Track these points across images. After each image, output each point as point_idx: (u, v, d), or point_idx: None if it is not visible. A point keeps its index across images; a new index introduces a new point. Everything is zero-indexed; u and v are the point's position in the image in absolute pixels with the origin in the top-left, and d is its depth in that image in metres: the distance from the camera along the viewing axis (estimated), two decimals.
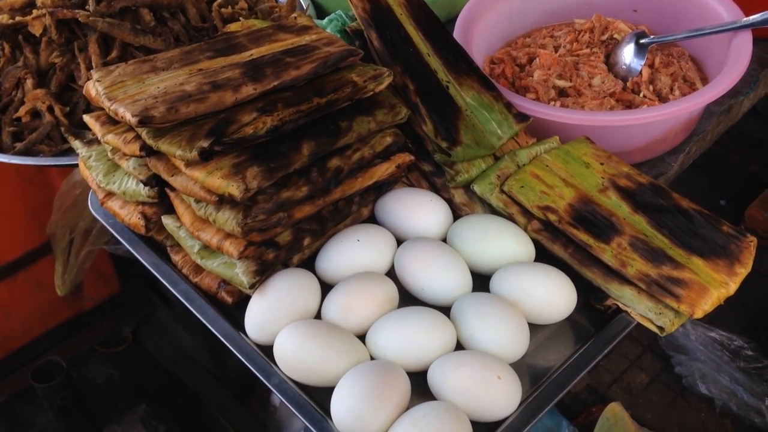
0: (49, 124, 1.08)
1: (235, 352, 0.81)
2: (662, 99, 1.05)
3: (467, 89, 0.95)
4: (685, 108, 0.94)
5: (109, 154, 0.87)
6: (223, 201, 0.79)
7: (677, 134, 1.05)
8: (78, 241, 1.59)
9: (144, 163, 0.84)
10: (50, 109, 1.10)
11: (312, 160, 0.82)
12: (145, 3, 1.12)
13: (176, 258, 0.89)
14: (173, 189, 0.85)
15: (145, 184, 0.84)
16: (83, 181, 1.57)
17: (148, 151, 0.81)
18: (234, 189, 0.76)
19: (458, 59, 0.97)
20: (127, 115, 0.76)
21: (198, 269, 0.87)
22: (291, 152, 0.80)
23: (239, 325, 0.83)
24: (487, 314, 0.79)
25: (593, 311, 0.85)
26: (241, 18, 1.11)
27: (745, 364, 1.95)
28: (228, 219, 0.79)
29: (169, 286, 0.87)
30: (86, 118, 0.87)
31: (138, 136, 0.81)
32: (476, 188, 0.91)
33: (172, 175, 0.81)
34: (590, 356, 0.79)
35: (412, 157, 0.92)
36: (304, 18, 0.94)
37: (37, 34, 1.11)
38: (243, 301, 0.85)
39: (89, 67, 1.09)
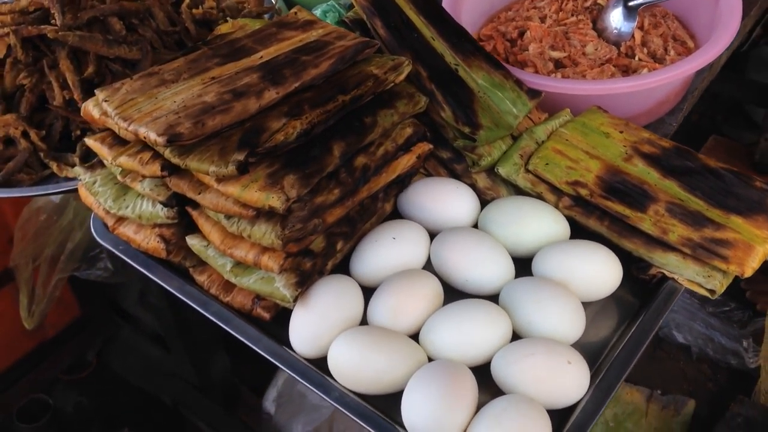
0: (26, 150, 1.01)
1: (286, 369, 0.78)
2: (657, 60, 1.05)
3: (477, 70, 0.92)
4: (693, 66, 0.94)
5: (119, 177, 0.81)
6: (260, 214, 0.75)
7: (677, 94, 1.05)
8: (45, 270, 1.51)
9: (162, 184, 0.79)
10: (25, 135, 1.03)
11: (343, 162, 0.78)
12: (113, 11, 1.05)
13: (201, 278, 0.84)
14: (196, 207, 0.80)
15: (165, 205, 0.79)
16: (46, 206, 1.49)
17: (171, 170, 0.76)
18: (275, 200, 0.72)
19: (462, 40, 0.94)
20: (151, 135, 0.70)
21: (228, 288, 0.83)
22: (323, 155, 0.77)
23: (282, 341, 0.80)
24: (541, 298, 0.77)
25: (634, 282, 0.84)
26: (221, 18, 1.06)
27: (713, 309, 2.00)
28: (265, 232, 0.75)
29: (200, 309, 0.82)
30: (89, 141, 0.81)
31: (157, 156, 0.76)
32: (501, 170, 0.89)
33: (199, 193, 0.76)
34: (648, 328, 0.79)
35: (431, 146, 0.89)
36: (304, 12, 0.89)
37: (0, 56, 1.03)
38: (279, 315, 0.82)
39: (63, 86, 1.02)
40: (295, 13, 0.89)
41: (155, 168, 0.75)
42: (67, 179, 1.01)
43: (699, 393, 1.91)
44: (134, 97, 0.76)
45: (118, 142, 0.80)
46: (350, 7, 1.04)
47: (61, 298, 1.94)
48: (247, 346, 0.80)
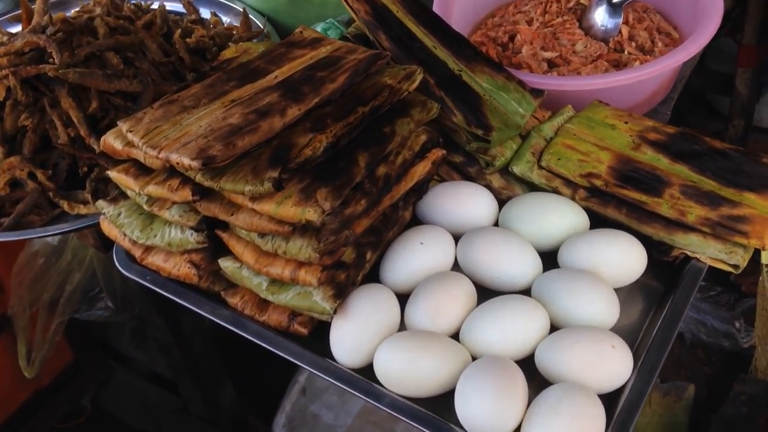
0: (35, 191, 1.00)
1: (334, 381, 0.78)
2: (646, 53, 1.09)
3: (480, 74, 0.95)
4: (685, 56, 0.97)
5: (145, 206, 0.81)
6: (294, 230, 0.75)
7: (668, 84, 1.09)
8: (44, 315, 1.48)
9: (191, 209, 0.79)
10: (31, 176, 1.02)
11: (369, 172, 0.79)
12: (109, 46, 1.05)
13: (234, 300, 0.85)
14: (226, 229, 0.80)
15: (196, 230, 0.80)
16: (44, 249, 1.47)
17: (202, 194, 0.76)
18: (312, 214, 0.72)
19: (462, 46, 0.97)
20: (185, 160, 0.71)
21: (262, 307, 0.83)
22: (350, 166, 0.78)
23: (323, 354, 0.80)
24: (576, 288, 0.79)
25: (656, 266, 0.86)
26: (213, 46, 1.07)
27: (702, 294, 2.05)
28: (302, 247, 0.75)
29: (238, 331, 0.82)
30: (113, 174, 0.81)
31: (186, 181, 0.76)
32: (515, 169, 0.91)
33: (231, 214, 0.76)
34: (680, 308, 0.81)
35: (444, 152, 0.91)
36: (309, 31, 0.90)
37: (0, 99, 1.02)
38: (315, 329, 0.82)
39: (67, 124, 1.01)
40: (301, 32, 0.91)
41: (186, 193, 0.76)
42: (79, 216, 1.00)
43: (696, 377, 1.94)
44: (159, 125, 0.76)
45: (142, 171, 0.80)
46: (349, 23, 1.06)
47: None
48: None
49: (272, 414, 1.79)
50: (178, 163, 0.72)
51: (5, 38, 1.12)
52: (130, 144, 0.77)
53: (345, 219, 0.78)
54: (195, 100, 0.79)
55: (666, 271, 0.86)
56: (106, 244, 1.30)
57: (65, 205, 1.00)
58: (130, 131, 0.76)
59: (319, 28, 1.05)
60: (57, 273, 1.46)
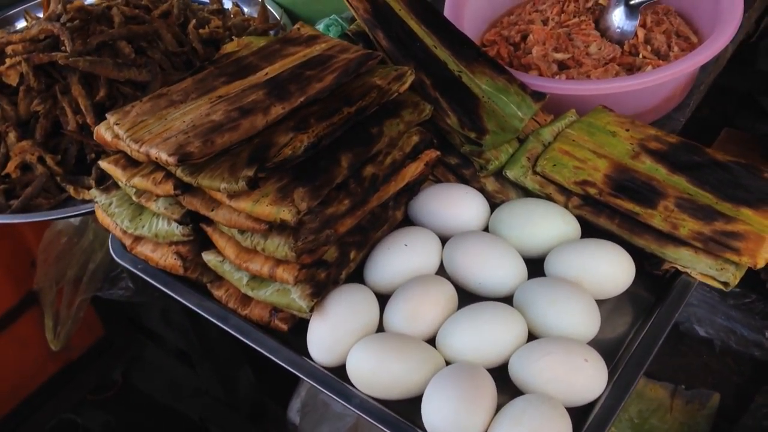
0: (43, 175, 1.03)
1: (306, 379, 0.79)
2: (661, 57, 1.06)
3: (480, 76, 0.93)
4: (698, 62, 0.94)
5: (134, 197, 0.83)
6: (272, 228, 0.76)
7: (683, 90, 1.06)
8: (68, 292, 1.53)
9: (176, 202, 0.80)
10: (41, 160, 1.05)
11: (351, 172, 0.79)
12: (121, 35, 1.07)
13: (218, 293, 0.86)
14: (210, 223, 0.81)
15: (180, 223, 0.81)
16: (67, 228, 1.51)
17: (183, 189, 0.77)
18: (286, 214, 0.73)
19: (464, 47, 0.95)
20: (162, 155, 0.72)
21: (245, 301, 0.84)
22: (331, 167, 0.78)
23: (301, 351, 0.81)
24: (557, 298, 0.78)
25: (647, 278, 0.84)
26: (229, 37, 1.07)
27: (734, 302, 1.99)
28: (279, 245, 0.76)
29: (219, 323, 0.84)
30: (103, 164, 0.83)
31: (169, 175, 0.77)
32: (509, 173, 0.90)
33: (212, 210, 0.77)
34: (663, 322, 0.79)
35: (439, 153, 0.90)
36: (307, 28, 0.91)
37: (14, 84, 1.05)
38: (296, 325, 0.83)
39: (76, 111, 1.04)
40: (298, 28, 0.91)
41: (168, 187, 0.77)
42: (85, 201, 1.03)
43: (723, 386, 1.90)
44: (144, 119, 0.77)
45: (131, 163, 0.81)
46: (352, 20, 1.05)
47: (85, 319, 1.96)
48: (269, 359, 0.82)
49: (288, 398, 1.81)
50: (156, 158, 0.73)
51: (33, 22, 1.14)
52: (117, 136, 0.79)
53: (327, 218, 0.78)
54: (184, 95, 0.80)
55: (657, 283, 0.84)
56: None
57: (71, 190, 1.03)
58: (117, 124, 0.77)
59: (321, 24, 1.05)
60: (80, 252, 1.50)
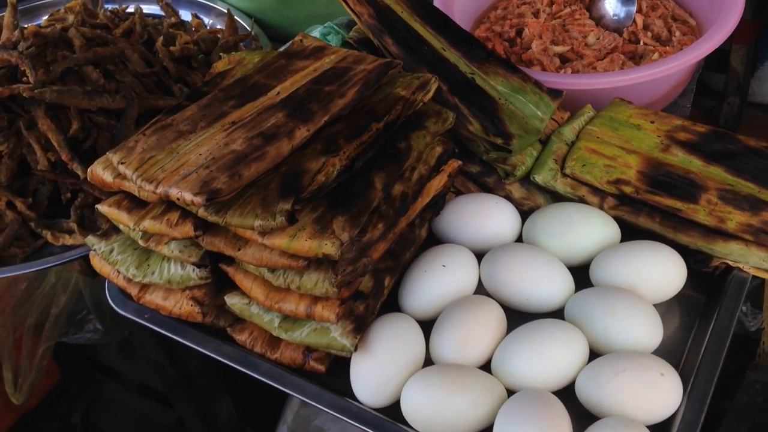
0: (15, 222, 0.92)
1: (358, 425, 0.72)
2: (663, 42, 1.02)
3: (494, 76, 0.88)
4: (713, 45, 0.91)
5: (140, 241, 0.74)
6: (310, 264, 0.68)
7: (689, 76, 1.02)
8: (29, 340, 1.40)
9: (192, 243, 0.72)
10: (9, 205, 0.94)
11: (386, 194, 0.73)
12: (87, 59, 0.97)
13: (241, 337, 0.78)
14: (231, 263, 0.73)
15: (199, 266, 0.72)
16: (26, 273, 1.38)
17: (204, 229, 0.69)
18: (329, 247, 0.66)
19: (473, 47, 0.90)
20: (186, 195, 0.63)
21: (273, 344, 0.77)
22: (366, 190, 0.71)
23: (342, 391, 0.74)
24: (616, 309, 0.73)
25: (694, 276, 0.80)
26: (199, 53, 0.99)
27: None
28: (318, 281, 0.69)
29: (249, 372, 0.76)
30: (103, 209, 0.73)
31: (186, 214, 0.69)
32: (537, 178, 0.85)
33: (238, 249, 0.69)
34: (726, 324, 0.75)
35: (460, 162, 0.84)
36: (310, 39, 0.83)
37: None
38: (332, 365, 0.76)
39: (46, 148, 0.93)
40: (301, 40, 0.83)
41: (187, 228, 0.69)
42: (66, 247, 0.93)
43: None
44: (153, 155, 0.69)
45: (136, 204, 0.73)
46: (349, 26, 0.98)
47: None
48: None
49: (272, 426, 1.73)
50: (178, 199, 0.64)
51: None
52: (122, 176, 0.70)
53: (363, 246, 0.71)
54: (191, 124, 0.72)
55: (705, 281, 0.80)
56: (93, 269, 1.22)
57: (49, 236, 0.92)
58: (122, 163, 0.68)
59: (317, 33, 0.97)
60: (41, 296, 1.38)
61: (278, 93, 0.75)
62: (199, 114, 0.73)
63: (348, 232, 0.67)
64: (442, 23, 0.90)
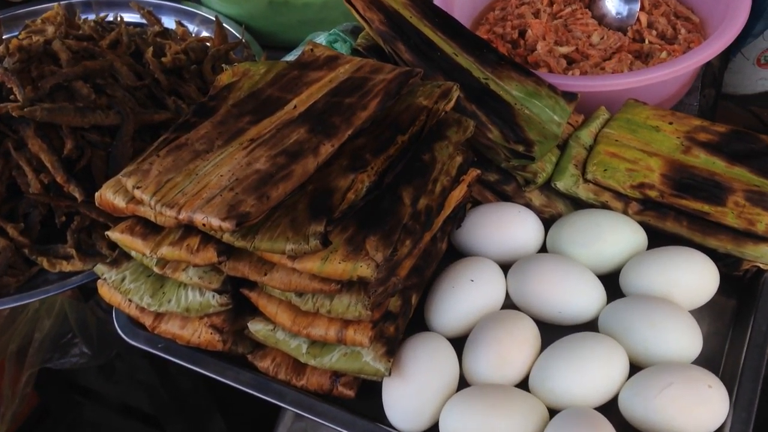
0: (7, 249, 0.87)
1: None
2: (668, 41, 1.01)
3: (508, 81, 0.85)
4: (725, 41, 0.89)
5: (155, 268, 0.70)
6: (342, 287, 0.65)
7: (695, 74, 1.01)
8: (11, 368, 1.34)
9: (212, 269, 0.68)
10: (0, 232, 0.88)
11: (415, 209, 0.69)
12: (77, 74, 0.92)
13: (264, 364, 0.74)
14: (253, 287, 0.69)
15: (220, 292, 0.68)
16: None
17: (228, 254, 0.65)
18: (365, 269, 0.62)
19: (484, 51, 0.87)
20: (214, 221, 0.59)
21: (299, 370, 0.73)
22: (395, 206, 0.67)
23: (373, 417, 0.70)
24: (655, 319, 0.71)
25: (723, 280, 0.78)
26: (190, 64, 0.94)
27: None
28: (350, 304, 0.65)
29: (275, 401, 0.72)
30: (115, 236, 0.69)
31: (207, 239, 0.65)
32: (559, 185, 0.82)
33: (265, 274, 0.65)
34: (764, 329, 0.73)
35: (479, 171, 0.81)
36: (320, 48, 0.79)
37: None
38: (361, 390, 0.72)
39: (38, 169, 0.88)
40: (311, 49, 0.79)
41: (210, 254, 0.64)
42: (63, 275, 0.88)
43: None
44: (171, 177, 0.64)
45: (150, 230, 0.68)
46: (354, 32, 0.94)
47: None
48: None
49: None
50: (204, 224, 0.60)
51: None
52: (136, 201, 0.66)
53: (392, 265, 0.68)
54: (208, 143, 0.68)
55: (736, 285, 0.79)
56: (85, 293, 1.17)
57: (44, 263, 0.87)
58: (138, 187, 0.64)
59: (323, 40, 0.94)
60: (24, 322, 1.31)
61: (295, 106, 0.71)
62: (215, 132, 0.69)
63: (382, 252, 0.64)
64: (452, 27, 0.87)
